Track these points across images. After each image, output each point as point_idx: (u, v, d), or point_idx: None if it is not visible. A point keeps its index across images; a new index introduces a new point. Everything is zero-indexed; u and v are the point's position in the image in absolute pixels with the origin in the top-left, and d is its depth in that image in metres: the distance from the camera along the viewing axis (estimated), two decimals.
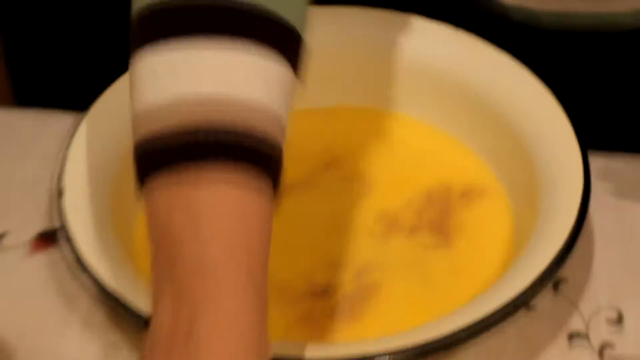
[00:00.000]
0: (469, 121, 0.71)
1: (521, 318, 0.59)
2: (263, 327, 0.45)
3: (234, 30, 0.47)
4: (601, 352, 0.59)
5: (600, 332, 0.60)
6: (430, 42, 0.73)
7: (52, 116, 0.75)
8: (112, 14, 1.21)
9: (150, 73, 0.47)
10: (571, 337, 0.59)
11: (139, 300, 0.52)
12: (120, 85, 0.67)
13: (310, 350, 0.53)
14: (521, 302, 0.54)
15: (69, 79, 1.33)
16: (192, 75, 0.46)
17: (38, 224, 0.67)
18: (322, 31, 0.56)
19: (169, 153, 0.45)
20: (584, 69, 0.81)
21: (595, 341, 0.59)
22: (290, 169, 0.56)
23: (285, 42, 0.50)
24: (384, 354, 0.51)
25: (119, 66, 0.63)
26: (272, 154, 0.46)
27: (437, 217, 0.65)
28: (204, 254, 0.43)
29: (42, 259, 0.65)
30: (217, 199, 0.46)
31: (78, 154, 0.62)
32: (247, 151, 0.46)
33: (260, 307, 0.45)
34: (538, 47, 0.78)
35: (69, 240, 0.56)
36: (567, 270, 0.61)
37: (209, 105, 0.45)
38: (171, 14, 0.48)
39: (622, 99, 0.84)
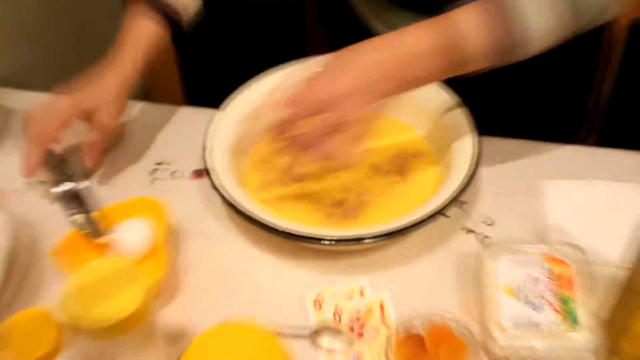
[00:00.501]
0: (418, 117, 0.92)
1: (441, 219, 0.81)
2: (114, 84, 0.85)
3: None
4: (482, 240, 0.84)
5: (481, 228, 0.85)
6: None
7: (201, 111, 0.99)
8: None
9: None
10: (467, 231, 0.85)
11: (248, 206, 0.80)
12: (240, 91, 0.92)
13: (327, 233, 0.77)
14: (442, 211, 0.78)
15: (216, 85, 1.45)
16: None
17: (193, 165, 0.93)
18: None
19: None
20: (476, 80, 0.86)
21: (479, 233, 0.84)
22: None
23: None
24: (369, 237, 0.77)
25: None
26: (171, 18, 0.86)
27: (399, 166, 0.89)
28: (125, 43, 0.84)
29: (196, 184, 0.91)
30: (143, 23, 0.85)
31: (216, 130, 0.87)
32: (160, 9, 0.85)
33: (124, 73, 0.85)
34: None
35: (205, 171, 0.82)
36: (465, 196, 0.85)
37: None
38: None
39: (504, 101, 0.98)
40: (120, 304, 0.60)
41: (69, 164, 0.92)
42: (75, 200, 0.86)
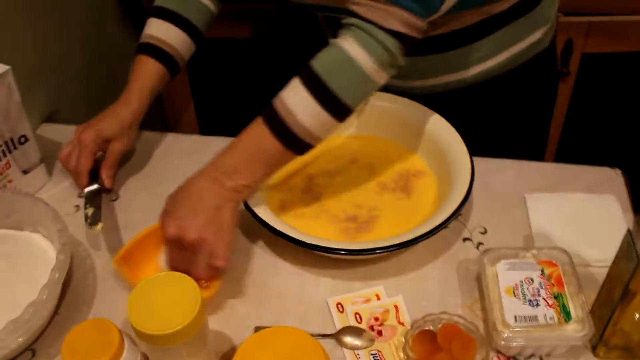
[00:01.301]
0: (418, 142, 0.92)
1: (443, 230, 0.79)
2: (128, 117, 0.90)
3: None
4: (477, 246, 0.85)
5: (476, 237, 0.86)
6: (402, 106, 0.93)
7: (217, 139, 0.97)
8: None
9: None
10: (464, 240, 0.86)
11: (275, 223, 0.79)
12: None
13: (346, 245, 0.78)
14: (444, 224, 0.78)
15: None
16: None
17: None
18: None
19: (138, 49, 0.89)
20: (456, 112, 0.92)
21: (475, 241, 0.85)
22: (336, 162, 0.86)
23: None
24: (376, 249, 0.76)
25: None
26: (172, 56, 0.90)
27: (403, 184, 0.90)
28: (132, 82, 0.89)
29: None
30: (145, 64, 0.88)
31: None
32: (161, 54, 0.89)
33: (134, 107, 0.90)
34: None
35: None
36: (462, 210, 0.84)
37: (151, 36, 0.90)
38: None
39: (483, 128, 0.98)
40: (177, 315, 0.60)
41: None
42: (94, 198, 0.89)
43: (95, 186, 0.90)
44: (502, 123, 1.04)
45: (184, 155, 0.99)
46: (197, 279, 0.64)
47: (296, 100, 0.73)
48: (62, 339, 0.73)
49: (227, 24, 1.43)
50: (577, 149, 1.57)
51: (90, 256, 0.86)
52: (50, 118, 1.09)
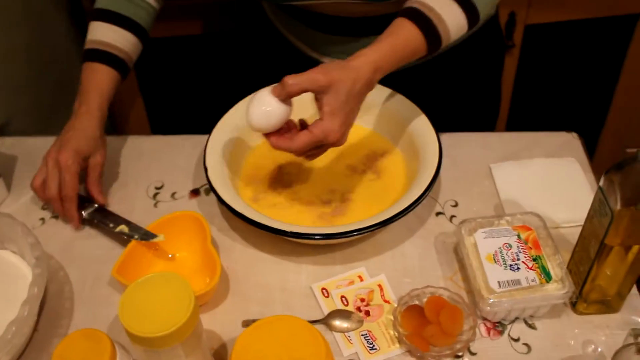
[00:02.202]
0: (382, 122, 0.93)
1: (417, 207, 0.79)
2: (96, 129, 0.86)
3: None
4: (450, 219, 0.87)
5: (449, 210, 0.88)
6: None
7: (189, 138, 0.98)
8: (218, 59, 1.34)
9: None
10: (437, 214, 0.87)
11: (252, 215, 0.78)
12: (231, 113, 0.91)
13: (323, 230, 0.78)
14: (418, 201, 0.78)
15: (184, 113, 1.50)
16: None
17: (189, 185, 0.92)
18: None
19: (86, 57, 0.86)
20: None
21: (447, 214, 0.87)
22: None
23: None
24: (354, 230, 0.77)
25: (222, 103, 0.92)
26: (122, 59, 0.88)
27: (372, 165, 0.91)
28: (87, 92, 0.85)
29: (194, 202, 0.90)
30: (97, 71, 0.87)
31: (212, 149, 0.86)
32: (111, 58, 0.88)
33: (99, 118, 0.87)
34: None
35: (212, 190, 0.81)
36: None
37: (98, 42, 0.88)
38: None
39: (437, 102, 0.96)
40: (172, 314, 0.59)
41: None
42: (107, 217, 0.86)
43: (95, 205, 0.88)
44: (453, 96, 1.06)
45: (143, 156, 0.98)
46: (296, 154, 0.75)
47: (444, 9, 0.77)
48: (45, 355, 0.74)
49: (170, 22, 1.41)
50: (527, 119, 1.62)
51: (63, 268, 0.84)
52: (0, 131, 1.05)
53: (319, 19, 0.92)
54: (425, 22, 0.77)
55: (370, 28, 0.87)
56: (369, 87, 0.76)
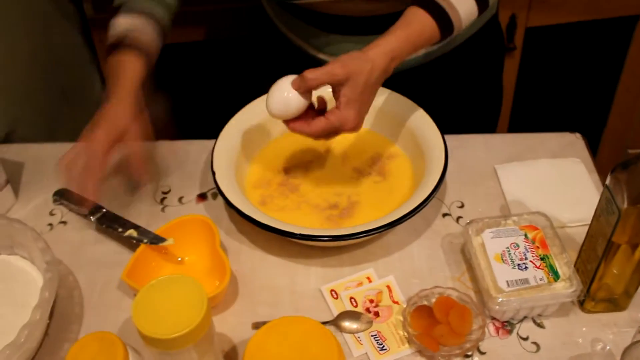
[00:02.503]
0: (388, 125, 0.94)
1: (424, 208, 0.80)
2: (124, 110, 0.82)
3: None
4: (457, 220, 0.87)
5: (455, 211, 0.88)
6: None
7: (195, 143, 0.99)
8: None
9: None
10: (443, 215, 0.88)
11: (261, 218, 0.79)
12: (237, 118, 0.92)
13: (331, 232, 0.79)
14: (425, 202, 0.79)
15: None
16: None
17: (195, 190, 0.93)
18: None
19: (108, 52, 0.84)
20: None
21: (454, 215, 0.88)
22: (310, 153, 0.87)
23: None
24: (362, 232, 0.78)
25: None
26: (145, 50, 0.86)
27: (378, 167, 0.91)
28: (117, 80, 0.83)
29: (201, 206, 0.91)
30: (123, 60, 0.84)
31: (219, 154, 0.87)
32: (133, 46, 0.86)
33: (126, 100, 0.84)
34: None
35: (220, 193, 0.81)
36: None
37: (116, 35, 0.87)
38: None
39: (441, 105, 0.96)
40: (185, 316, 0.59)
41: (84, 200, 0.89)
42: (116, 221, 0.86)
43: (104, 210, 0.88)
44: (454, 98, 1.07)
45: (151, 161, 0.98)
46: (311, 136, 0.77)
47: None
48: None
49: (175, 28, 1.42)
50: (529, 120, 1.62)
51: (72, 273, 0.84)
52: (7, 139, 1.05)
53: (323, 18, 0.93)
54: (438, 10, 0.79)
55: (375, 27, 0.87)
56: (384, 75, 0.79)
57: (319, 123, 0.77)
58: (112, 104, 0.84)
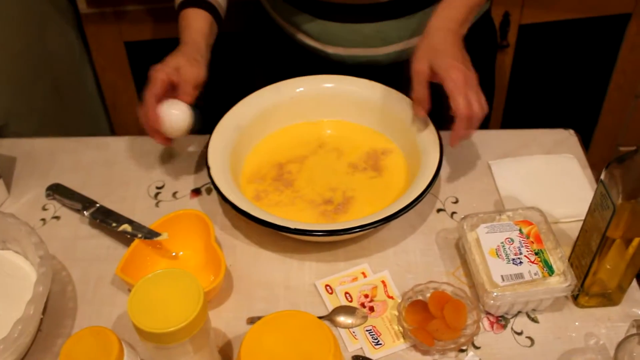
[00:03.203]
0: (382, 121, 0.94)
1: (418, 204, 0.80)
2: (187, 53, 0.87)
3: None
4: (451, 215, 0.87)
5: (449, 207, 0.88)
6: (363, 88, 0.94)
7: (189, 138, 0.97)
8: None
9: None
10: (438, 210, 0.88)
11: (255, 212, 0.79)
12: (231, 113, 0.91)
13: (326, 227, 0.78)
14: (420, 197, 0.79)
15: None
16: None
17: (189, 185, 0.93)
18: None
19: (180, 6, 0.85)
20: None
21: (448, 210, 0.88)
22: (304, 148, 0.87)
23: None
24: (356, 227, 0.77)
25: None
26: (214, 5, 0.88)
27: (373, 163, 0.91)
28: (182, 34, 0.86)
29: (195, 201, 0.91)
30: (189, 15, 0.87)
31: (213, 149, 0.86)
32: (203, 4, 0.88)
33: (190, 45, 0.89)
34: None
35: (215, 188, 0.81)
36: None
37: None
38: None
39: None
40: (181, 310, 0.59)
41: (77, 195, 0.91)
42: (109, 216, 0.85)
43: (97, 205, 0.89)
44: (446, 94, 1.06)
45: (144, 156, 0.98)
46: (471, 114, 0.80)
47: None
48: (49, 355, 0.74)
49: (172, 23, 1.41)
50: (522, 117, 1.63)
51: (65, 268, 0.83)
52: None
53: (323, 6, 0.93)
54: None
55: (375, 14, 0.88)
56: (453, 26, 0.84)
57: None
58: (181, 45, 0.89)
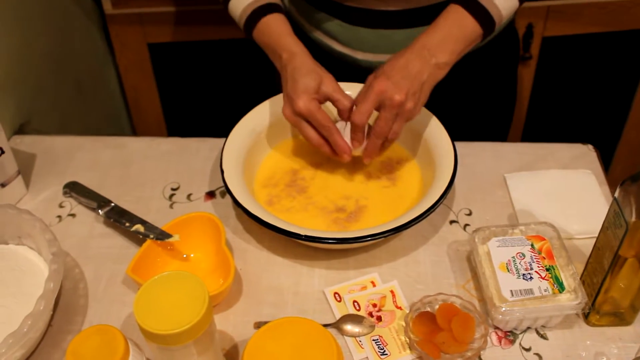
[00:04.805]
0: (402, 132, 0.86)
1: (430, 215, 0.79)
2: (309, 62, 0.84)
3: None
4: (464, 227, 0.87)
5: (462, 219, 0.88)
6: None
7: (205, 141, 1.00)
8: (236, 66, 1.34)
9: None
10: (451, 222, 0.88)
11: (268, 218, 0.79)
12: (248, 117, 0.91)
13: (337, 235, 0.78)
14: (433, 208, 0.79)
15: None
16: None
17: (204, 188, 0.93)
18: None
19: (252, 19, 0.84)
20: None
21: (461, 223, 0.88)
22: (319, 154, 0.87)
23: None
24: (368, 236, 0.77)
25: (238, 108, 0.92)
26: (277, 9, 0.86)
27: (388, 172, 0.91)
28: (280, 44, 0.83)
29: (209, 204, 0.91)
30: (272, 24, 0.85)
31: (228, 152, 0.87)
32: (269, 9, 0.87)
33: (304, 52, 0.85)
34: None
35: (228, 192, 0.81)
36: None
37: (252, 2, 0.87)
38: None
39: (451, 112, 0.96)
40: (186, 312, 0.60)
41: (93, 194, 0.92)
42: (123, 216, 0.86)
43: (112, 204, 0.89)
44: (467, 105, 1.06)
45: (160, 158, 0.99)
46: (379, 137, 0.81)
47: None
48: (58, 351, 0.75)
49: (189, 26, 1.42)
50: (543, 130, 1.61)
51: (78, 265, 0.84)
52: (20, 130, 1.06)
53: (354, 12, 0.93)
54: (477, 8, 0.82)
55: (406, 21, 0.88)
56: (423, 55, 0.81)
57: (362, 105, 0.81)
58: (289, 64, 0.85)
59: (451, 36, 0.82)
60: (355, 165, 0.92)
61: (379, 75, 0.81)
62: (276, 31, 0.87)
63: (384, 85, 0.79)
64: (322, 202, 0.88)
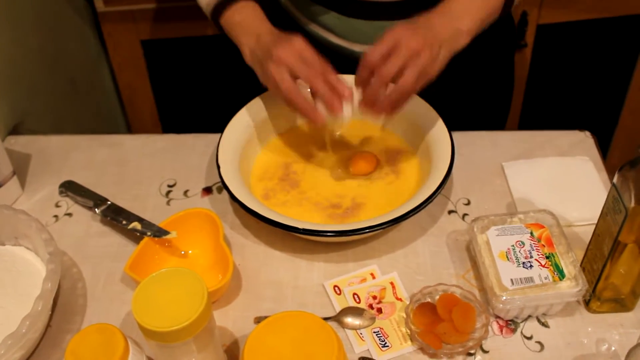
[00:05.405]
0: (397, 123, 0.92)
1: (428, 205, 0.79)
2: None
3: None
4: (463, 217, 0.86)
5: (461, 208, 0.88)
6: None
7: (201, 137, 0.99)
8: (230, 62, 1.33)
9: None
10: (449, 212, 0.87)
11: (264, 212, 0.78)
12: (242, 112, 0.91)
13: (336, 227, 0.78)
14: (431, 198, 0.78)
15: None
16: None
17: (200, 184, 0.93)
18: None
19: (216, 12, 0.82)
20: None
21: (460, 212, 0.87)
22: (313, 147, 0.86)
23: None
24: (366, 228, 0.77)
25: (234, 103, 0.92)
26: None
27: (391, 164, 0.90)
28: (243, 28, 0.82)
29: (206, 200, 0.91)
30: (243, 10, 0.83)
31: (224, 147, 0.86)
32: None
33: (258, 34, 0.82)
34: None
35: (225, 187, 0.80)
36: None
37: None
38: None
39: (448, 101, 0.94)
40: (185, 309, 0.59)
41: (90, 192, 0.91)
42: (120, 214, 0.86)
43: (108, 202, 0.88)
44: (463, 94, 1.05)
45: (156, 155, 0.98)
46: (384, 79, 0.74)
47: None
48: (58, 351, 0.74)
49: (183, 22, 1.42)
50: (540, 118, 1.61)
51: (76, 265, 0.84)
52: (15, 130, 1.06)
53: (350, 4, 0.92)
54: None
55: (404, 11, 0.87)
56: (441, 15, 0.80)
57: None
58: (265, 33, 0.83)
59: (474, 2, 0.82)
60: (349, 158, 0.91)
61: (398, 24, 0.79)
62: (253, 13, 0.87)
63: (402, 30, 0.76)
64: (315, 198, 0.87)
